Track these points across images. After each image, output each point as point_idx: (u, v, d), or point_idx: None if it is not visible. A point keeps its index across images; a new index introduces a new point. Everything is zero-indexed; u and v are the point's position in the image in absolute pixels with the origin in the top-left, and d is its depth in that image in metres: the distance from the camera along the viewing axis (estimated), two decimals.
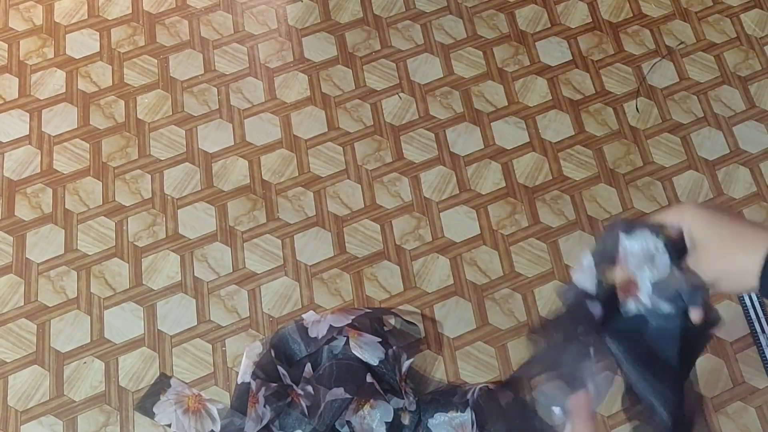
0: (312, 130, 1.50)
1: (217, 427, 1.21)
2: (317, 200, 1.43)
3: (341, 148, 1.48)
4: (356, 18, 1.63)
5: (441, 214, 1.42)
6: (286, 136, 1.50)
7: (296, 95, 1.54)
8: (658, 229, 0.62)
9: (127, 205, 1.44)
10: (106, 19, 1.64)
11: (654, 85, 1.55)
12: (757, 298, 1.32)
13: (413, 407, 1.17)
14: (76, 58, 1.59)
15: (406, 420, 1.16)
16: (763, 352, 1.29)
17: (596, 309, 0.63)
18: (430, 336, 1.32)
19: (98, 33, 1.62)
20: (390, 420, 1.15)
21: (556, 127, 1.50)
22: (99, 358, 1.31)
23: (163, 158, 1.48)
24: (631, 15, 1.63)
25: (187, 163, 1.48)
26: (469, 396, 1.18)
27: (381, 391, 1.16)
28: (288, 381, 1.19)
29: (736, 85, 1.54)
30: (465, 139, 1.49)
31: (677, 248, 0.61)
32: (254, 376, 1.20)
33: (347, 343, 1.20)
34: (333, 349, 1.21)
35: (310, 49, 1.60)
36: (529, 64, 1.57)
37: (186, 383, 1.27)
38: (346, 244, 1.39)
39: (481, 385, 1.20)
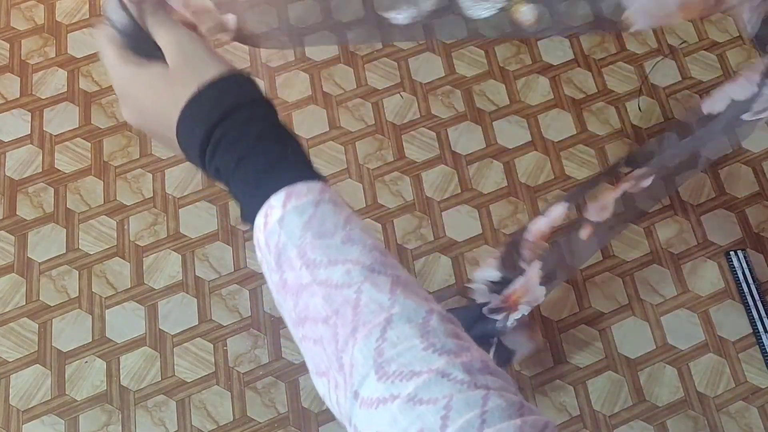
0: (313, 129, 1.50)
1: None
2: None
3: (342, 147, 1.48)
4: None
5: (443, 213, 1.41)
6: None
7: (298, 94, 1.54)
8: None
9: (129, 204, 1.44)
10: None
11: (656, 84, 1.54)
12: (760, 297, 1.32)
13: None
14: (78, 57, 1.59)
15: None
16: (766, 351, 1.28)
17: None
18: None
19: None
20: None
21: (558, 126, 1.50)
22: (100, 358, 1.31)
23: (164, 157, 1.48)
24: None
25: (188, 162, 1.47)
26: None
27: None
28: None
29: None
30: (467, 139, 1.49)
31: None
32: None
33: None
34: None
35: (312, 47, 1.59)
36: (530, 63, 1.57)
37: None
38: None
39: None
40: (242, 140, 0.46)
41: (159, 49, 0.49)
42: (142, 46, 0.50)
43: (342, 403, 0.39)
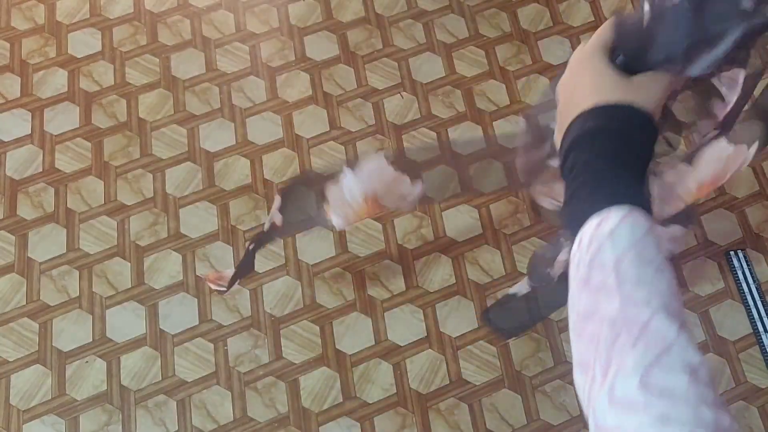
0: (314, 129, 1.50)
1: None
2: None
3: (343, 148, 1.48)
4: (358, 17, 1.63)
5: (443, 213, 1.41)
6: (288, 135, 1.50)
7: (298, 94, 1.54)
8: None
9: (129, 204, 1.44)
10: (108, 18, 1.64)
11: None
12: (760, 296, 1.32)
13: None
14: (78, 57, 1.59)
15: None
16: (766, 352, 1.28)
17: None
18: (431, 336, 1.32)
19: (100, 32, 1.62)
20: None
21: None
22: (101, 358, 1.31)
23: (164, 157, 1.48)
24: None
25: (188, 162, 1.48)
26: None
27: None
28: None
29: None
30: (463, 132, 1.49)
31: None
32: None
33: None
34: None
35: (312, 48, 1.59)
36: (531, 63, 1.57)
37: None
38: (348, 244, 1.39)
39: None
40: (606, 155, 0.54)
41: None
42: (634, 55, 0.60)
43: (593, 396, 0.45)
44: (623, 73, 0.59)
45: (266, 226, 1.07)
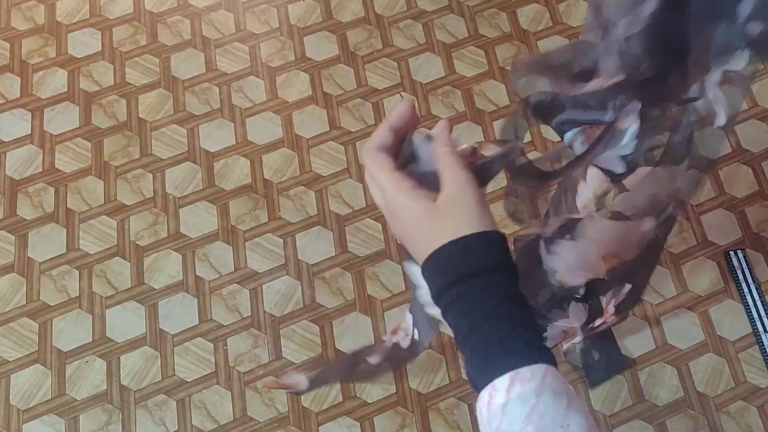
0: (313, 129, 1.50)
1: None
2: (319, 199, 1.43)
3: (343, 147, 1.48)
4: (358, 17, 1.63)
5: None
6: (288, 135, 1.50)
7: (298, 94, 1.54)
8: None
9: (129, 204, 1.44)
10: (108, 18, 1.64)
11: None
12: (759, 296, 1.32)
13: None
14: (78, 57, 1.59)
15: None
16: (765, 351, 1.28)
17: None
18: None
19: (100, 32, 1.62)
20: None
21: None
22: (101, 357, 1.31)
23: (164, 157, 1.48)
24: None
25: (188, 162, 1.48)
26: None
27: None
28: None
29: None
30: (467, 139, 1.49)
31: None
32: None
33: None
34: None
35: (312, 48, 1.60)
36: None
37: None
38: (348, 243, 1.39)
39: None
40: (473, 312, 0.48)
41: (436, 180, 0.52)
42: (422, 173, 0.55)
43: None
44: (426, 193, 0.52)
45: (402, 342, 0.94)
